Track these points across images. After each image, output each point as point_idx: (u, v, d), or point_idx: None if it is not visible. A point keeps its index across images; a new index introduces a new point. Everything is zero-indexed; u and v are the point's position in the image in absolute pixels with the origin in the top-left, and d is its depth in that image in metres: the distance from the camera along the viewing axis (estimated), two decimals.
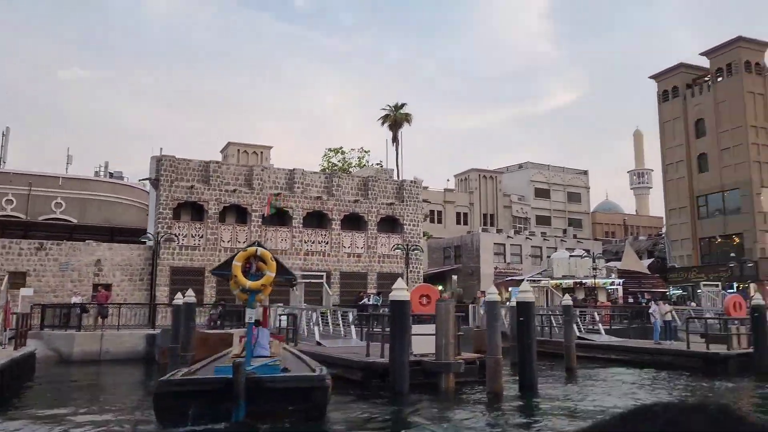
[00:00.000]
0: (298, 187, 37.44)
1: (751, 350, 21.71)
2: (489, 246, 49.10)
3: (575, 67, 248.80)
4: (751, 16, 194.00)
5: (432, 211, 60.40)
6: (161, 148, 42.90)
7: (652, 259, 56.76)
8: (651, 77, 59.64)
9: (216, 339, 20.87)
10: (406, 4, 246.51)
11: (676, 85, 56.90)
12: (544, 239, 52.81)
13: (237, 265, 12.39)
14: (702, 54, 55.34)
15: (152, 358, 25.77)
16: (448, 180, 76.34)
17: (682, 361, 23.44)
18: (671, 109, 57.03)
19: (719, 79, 53.54)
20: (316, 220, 38.29)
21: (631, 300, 45.85)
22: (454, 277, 41.49)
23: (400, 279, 17.29)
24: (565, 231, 60.43)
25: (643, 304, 40.61)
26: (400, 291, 16.39)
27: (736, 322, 23.05)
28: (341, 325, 25.88)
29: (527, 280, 41.27)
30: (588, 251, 51.03)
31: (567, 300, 24.47)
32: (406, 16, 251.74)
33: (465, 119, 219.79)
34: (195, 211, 35.69)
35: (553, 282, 39.18)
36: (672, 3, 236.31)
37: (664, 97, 58.19)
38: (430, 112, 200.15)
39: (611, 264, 50.63)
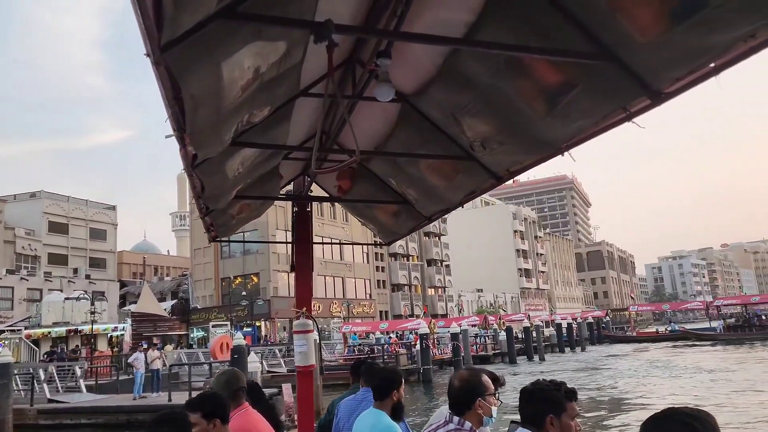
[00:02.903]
0: None
1: None
2: None
3: (127, 105, 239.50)
4: None
5: None
6: None
7: (175, 300, 54.00)
8: None
9: None
10: None
11: None
12: (47, 280, 44.42)
13: None
14: None
15: None
16: None
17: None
18: None
19: None
20: None
21: (145, 345, 41.63)
22: None
23: None
24: (75, 271, 52.72)
25: (158, 349, 36.88)
26: None
27: (220, 365, 20.80)
28: None
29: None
30: (103, 293, 45.05)
31: (5, 356, 18.33)
32: None
33: None
34: None
35: (41, 331, 31.87)
36: None
37: None
38: None
39: (127, 308, 45.73)
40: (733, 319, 51.99)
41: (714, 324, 55.44)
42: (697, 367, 29.24)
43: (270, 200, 5.18)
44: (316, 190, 5.63)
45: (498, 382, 2.81)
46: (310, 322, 4.66)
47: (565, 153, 3.03)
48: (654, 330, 66.60)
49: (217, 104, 2.32)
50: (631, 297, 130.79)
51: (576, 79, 2.53)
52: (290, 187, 5.56)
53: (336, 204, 6.09)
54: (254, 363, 20.61)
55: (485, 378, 2.53)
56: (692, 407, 1.50)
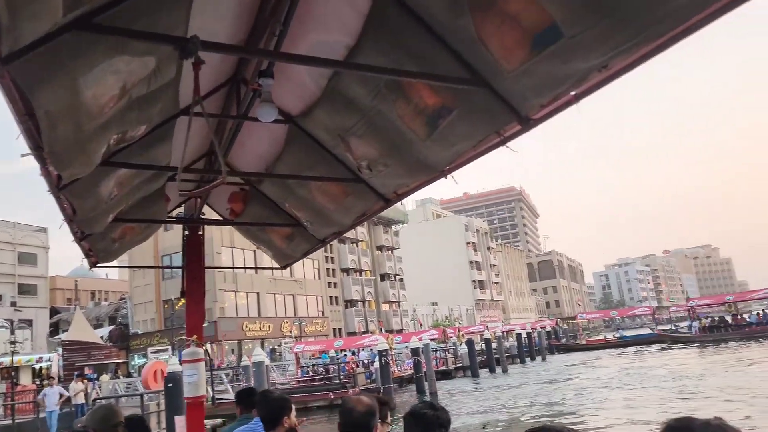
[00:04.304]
0: None
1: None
2: None
3: None
4: None
5: None
6: None
7: (113, 326, 50.35)
8: None
9: None
10: None
11: None
12: None
13: None
14: None
15: None
16: None
17: None
18: None
19: None
20: None
21: (76, 375, 38.28)
22: None
23: None
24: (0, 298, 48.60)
25: (93, 380, 33.78)
26: None
27: (154, 396, 18.25)
28: None
29: None
30: (30, 321, 41.36)
31: None
32: None
33: None
34: None
35: None
36: None
37: None
38: None
39: (59, 336, 42.17)
40: (708, 320, 51.71)
41: (661, 327, 55.40)
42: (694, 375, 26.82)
43: (156, 223, 4.91)
44: (209, 213, 5.31)
45: (387, 406, 2.79)
46: (201, 350, 4.46)
47: (448, 176, 3.08)
48: (602, 337, 66.28)
49: (77, 121, 2.16)
50: (578, 304, 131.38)
51: (452, 104, 2.59)
52: (182, 209, 5.31)
53: None
54: None
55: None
56: (562, 424, 1.45)
